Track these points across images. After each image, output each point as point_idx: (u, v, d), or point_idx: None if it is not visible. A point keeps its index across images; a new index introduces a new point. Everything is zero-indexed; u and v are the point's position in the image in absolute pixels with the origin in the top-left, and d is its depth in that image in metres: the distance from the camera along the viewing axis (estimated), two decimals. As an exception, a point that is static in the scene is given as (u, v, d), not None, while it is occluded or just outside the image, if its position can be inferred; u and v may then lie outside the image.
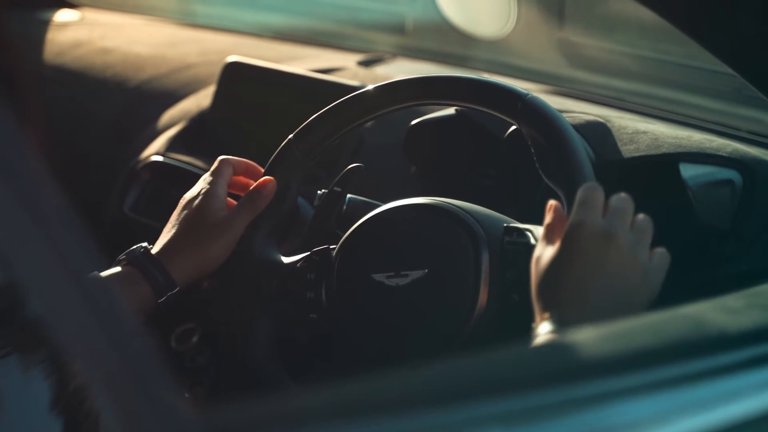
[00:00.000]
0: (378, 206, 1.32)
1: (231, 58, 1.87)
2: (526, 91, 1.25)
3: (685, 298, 0.96)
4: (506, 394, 0.74)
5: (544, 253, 1.04)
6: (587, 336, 0.80)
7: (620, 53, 2.03)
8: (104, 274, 1.23)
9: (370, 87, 1.32)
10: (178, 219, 1.30)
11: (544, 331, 0.98)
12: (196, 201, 1.30)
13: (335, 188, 1.37)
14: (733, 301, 0.93)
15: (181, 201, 1.32)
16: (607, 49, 2.05)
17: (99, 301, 0.62)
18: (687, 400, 0.79)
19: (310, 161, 1.34)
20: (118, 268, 1.26)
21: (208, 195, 1.30)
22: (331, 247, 1.32)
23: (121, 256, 1.29)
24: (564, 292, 1.00)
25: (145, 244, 1.29)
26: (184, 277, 1.27)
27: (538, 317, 1.01)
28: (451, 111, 1.57)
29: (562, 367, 0.77)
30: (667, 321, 0.85)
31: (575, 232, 1.01)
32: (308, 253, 1.32)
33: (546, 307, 1.00)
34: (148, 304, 1.25)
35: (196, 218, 1.29)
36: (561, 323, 0.96)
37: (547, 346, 0.78)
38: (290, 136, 1.34)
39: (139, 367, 0.61)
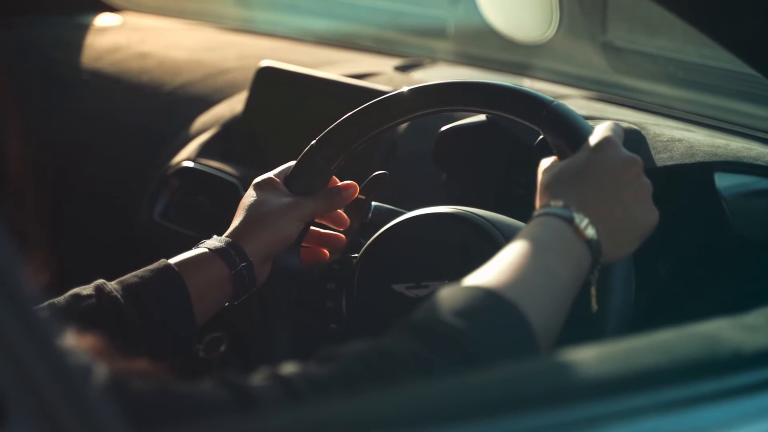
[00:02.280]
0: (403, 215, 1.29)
1: (264, 63, 1.85)
2: (551, 98, 1.22)
3: (716, 312, 0.92)
4: (504, 414, 0.71)
5: (556, 162, 1.08)
6: (589, 354, 0.77)
7: (664, 58, 1.98)
8: (175, 259, 1.23)
9: (392, 93, 1.29)
10: (242, 205, 1.30)
11: (542, 212, 1.00)
12: (252, 187, 1.31)
13: (360, 196, 1.35)
14: (753, 318, 0.88)
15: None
16: (651, 54, 2.00)
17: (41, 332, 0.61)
18: (696, 422, 0.76)
19: (333, 168, 1.32)
20: (189, 253, 1.25)
21: (262, 179, 1.31)
22: (353, 255, 1.30)
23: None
24: (575, 189, 1.02)
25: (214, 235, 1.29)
26: (257, 251, 1.26)
27: (543, 202, 1.02)
28: (481, 117, 1.53)
29: (564, 387, 0.74)
30: (677, 339, 0.81)
31: (604, 143, 1.06)
32: (329, 261, 1.31)
33: (557, 196, 1.01)
34: (223, 278, 1.24)
35: (256, 198, 1.29)
36: (563, 211, 0.98)
37: (548, 365, 0.75)
38: (312, 142, 1.32)
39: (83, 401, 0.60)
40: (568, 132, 1.17)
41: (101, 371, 0.69)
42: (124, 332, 1.17)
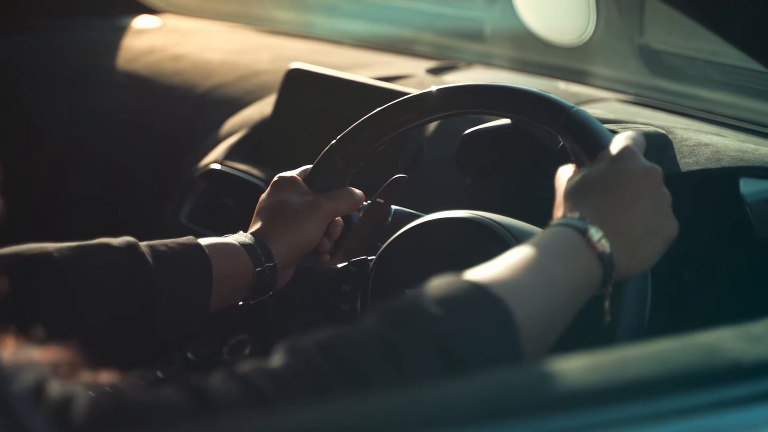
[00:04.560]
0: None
1: (293, 65, 1.85)
2: (571, 104, 1.20)
3: (741, 319, 0.90)
4: (486, 424, 0.70)
5: (575, 173, 1.06)
6: (577, 363, 0.75)
7: (702, 61, 1.95)
8: (204, 241, 1.23)
9: (408, 96, 1.28)
10: (262, 205, 1.30)
11: (556, 222, 0.98)
12: (272, 186, 1.31)
13: (378, 199, 1.35)
14: (759, 328, 0.86)
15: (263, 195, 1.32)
16: (689, 57, 1.97)
17: None
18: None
19: (352, 169, 1.32)
20: (216, 239, 1.25)
21: (281, 178, 1.32)
22: (369, 258, 1.29)
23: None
24: (594, 202, 1.00)
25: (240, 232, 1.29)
26: (281, 254, 1.26)
27: (560, 214, 1.02)
28: (506, 120, 1.52)
29: (548, 396, 0.72)
30: (675, 349, 0.79)
31: (623, 153, 1.04)
32: (345, 263, 1.30)
33: (574, 207, 1.00)
34: (246, 273, 1.24)
35: (278, 199, 1.29)
36: (578, 222, 0.97)
37: (538, 373, 0.74)
38: (332, 142, 1.32)
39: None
40: (586, 139, 1.15)
41: (53, 388, 0.68)
42: (143, 294, 1.16)
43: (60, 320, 1.11)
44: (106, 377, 0.74)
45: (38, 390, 0.67)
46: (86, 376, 0.72)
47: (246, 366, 0.77)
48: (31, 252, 1.12)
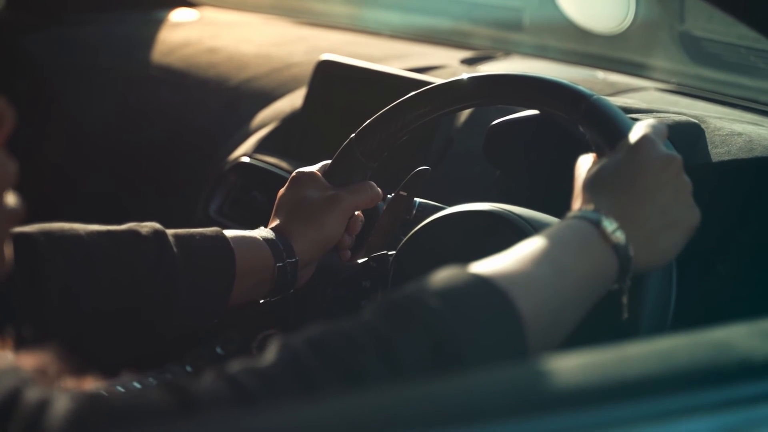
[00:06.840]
0: (446, 211, 1.26)
1: (323, 57, 1.84)
2: (591, 92, 1.17)
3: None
4: (478, 422, 0.67)
5: (594, 164, 1.04)
6: (584, 360, 0.73)
7: (745, 48, 1.91)
8: (229, 233, 1.23)
9: (428, 87, 1.26)
10: (282, 200, 1.29)
11: (574, 214, 0.96)
12: (291, 181, 1.30)
13: (401, 192, 1.33)
14: (776, 324, 0.83)
15: (281, 191, 1.32)
16: (731, 44, 1.93)
17: None
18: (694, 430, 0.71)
19: (372, 163, 1.30)
20: (239, 232, 1.24)
21: (299, 173, 1.31)
22: (390, 253, 1.27)
23: None
24: (610, 193, 0.98)
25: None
26: (303, 251, 1.25)
27: (577, 205, 1.00)
28: (534, 111, 1.49)
29: (556, 393, 0.70)
30: (682, 345, 0.76)
31: (641, 142, 1.01)
32: (365, 258, 1.28)
33: (590, 200, 0.98)
34: (267, 268, 1.23)
35: (297, 194, 1.29)
36: (591, 215, 0.95)
37: (538, 370, 0.71)
38: (352, 135, 1.30)
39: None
40: (605, 128, 1.13)
41: (31, 394, 0.67)
42: (166, 283, 1.16)
43: (81, 302, 1.11)
44: (90, 382, 0.73)
45: (15, 396, 0.66)
46: (70, 381, 0.71)
47: (235, 365, 0.76)
48: (61, 232, 1.13)
